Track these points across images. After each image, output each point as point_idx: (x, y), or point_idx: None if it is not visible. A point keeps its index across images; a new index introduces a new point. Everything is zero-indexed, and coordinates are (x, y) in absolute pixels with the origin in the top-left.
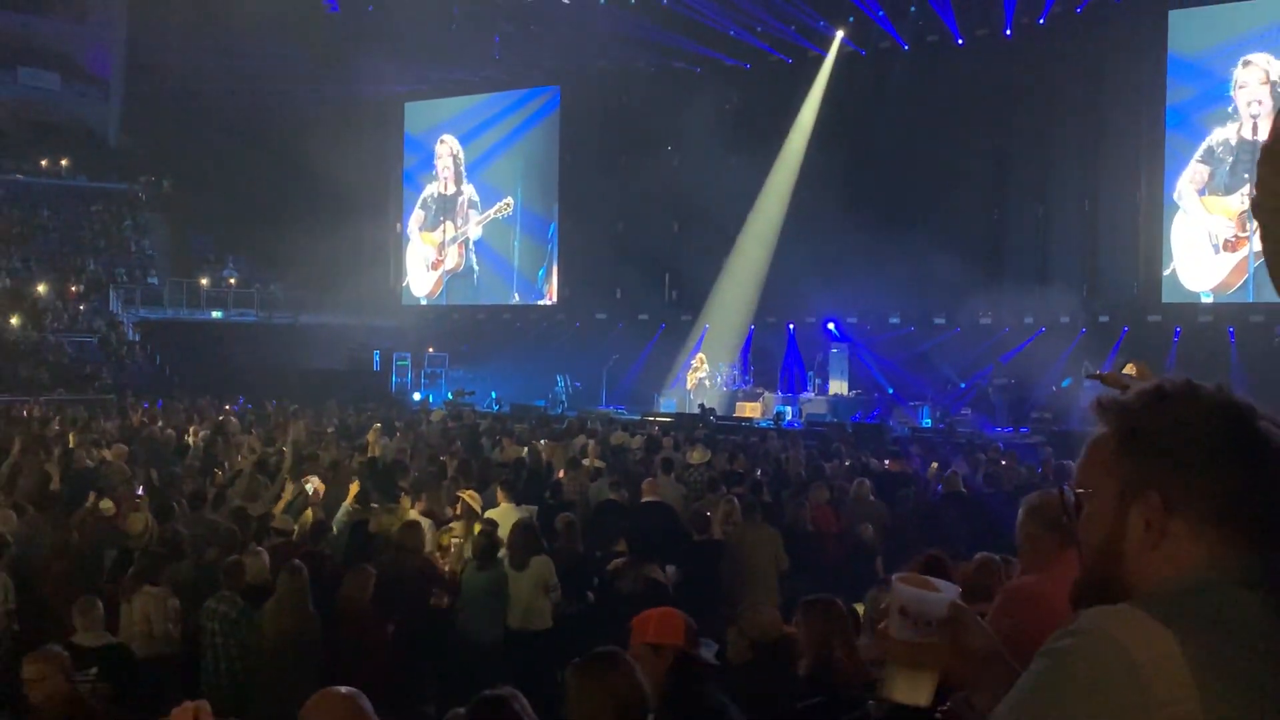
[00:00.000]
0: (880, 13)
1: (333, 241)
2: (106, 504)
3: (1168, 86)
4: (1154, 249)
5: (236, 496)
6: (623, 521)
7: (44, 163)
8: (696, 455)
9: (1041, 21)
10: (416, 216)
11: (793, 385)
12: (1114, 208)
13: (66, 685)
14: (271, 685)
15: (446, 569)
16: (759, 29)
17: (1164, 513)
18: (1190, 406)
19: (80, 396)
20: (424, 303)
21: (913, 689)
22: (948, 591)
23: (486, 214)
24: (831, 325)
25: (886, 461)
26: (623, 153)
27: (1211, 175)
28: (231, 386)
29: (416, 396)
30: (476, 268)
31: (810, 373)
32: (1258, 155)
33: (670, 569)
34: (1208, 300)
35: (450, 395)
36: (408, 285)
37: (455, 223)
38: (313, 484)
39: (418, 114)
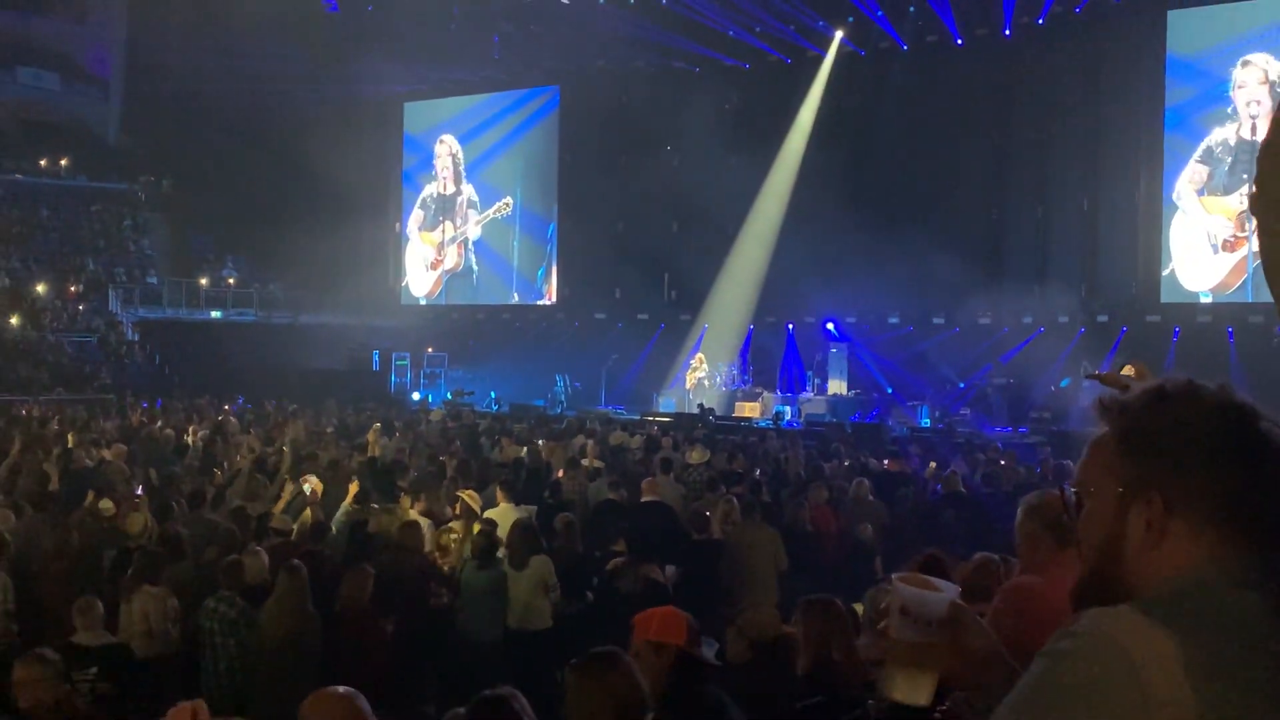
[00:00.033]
0: (879, 13)
1: (332, 241)
2: (106, 504)
3: (1166, 87)
4: (1153, 249)
5: (236, 496)
6: (622, 521)
7: (43, 162)
8: (696, 455)
9: (1040, 22)
10: (416, 216)
11: (792, 385)
12: (1113, 208)
13: (57, 690)
14: (271, 685)
15: (446, 569)
16: (758, 29)
17: (1164, 513)
18: (1191, 407)
19: (79, 396)
20: (423, 303)
21: (913, 689)
22: (948, 591)
23: (486, 213)
24: (831, 325)
25: (885, 461)
26: (622, 153)
27: (1210, 175)
28: (231, 386)
29: (416, 396)
30: (476, 268)
31: (809, 372)
32: (1257, 152)
33: (670, 569)
34: (1206, 300)
35: (449, 395)
36: (407, 285)
37: (454, 222)
38: (310, 484)
39: (417, 114)
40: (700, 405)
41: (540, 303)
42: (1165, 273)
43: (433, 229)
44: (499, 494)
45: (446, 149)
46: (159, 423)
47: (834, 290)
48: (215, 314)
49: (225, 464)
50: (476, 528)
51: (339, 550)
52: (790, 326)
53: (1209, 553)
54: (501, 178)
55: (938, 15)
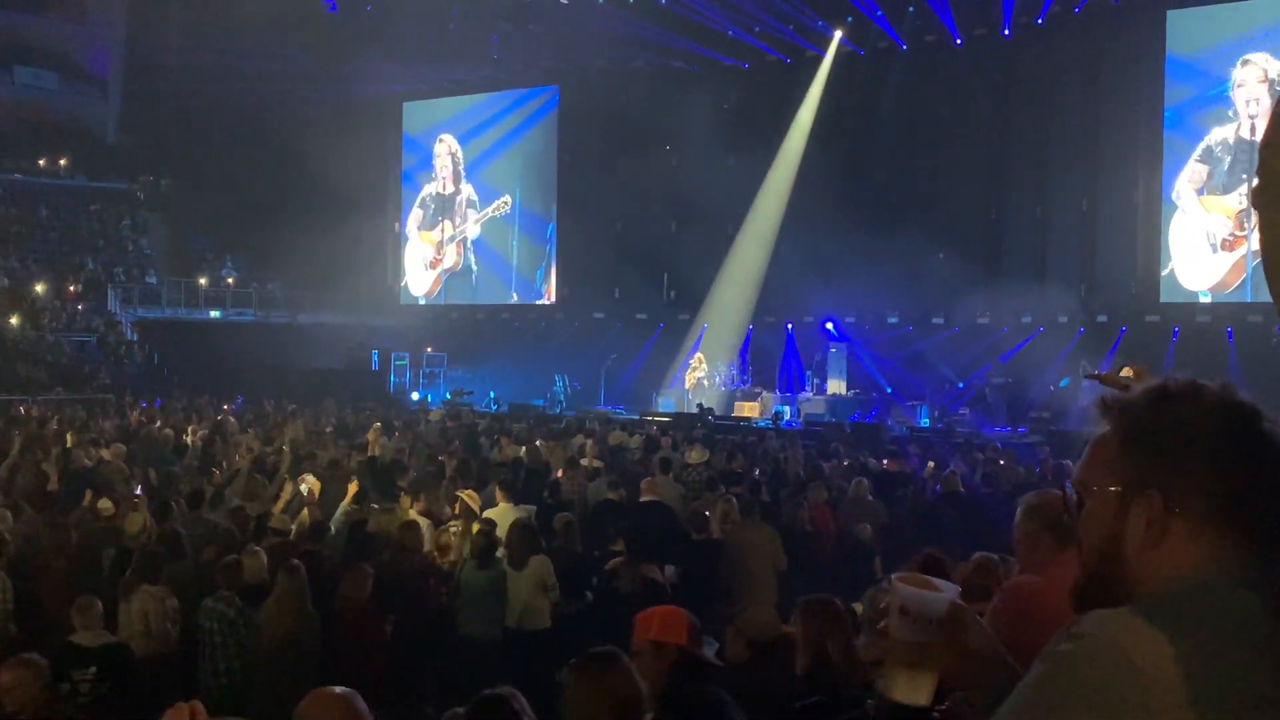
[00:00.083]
0: (878, 12)
1: (331, 241)
2: (105, 504)
3: (1166, 86)
4: (1152, 249)
5: (235, 496)
6: (621, 521)
7: (42, 162)
8: (695, 455)
9: (1040, 21)
10: (415, 216)
11: (791, 385)
12: (1112, 207)
13: (43, 695)
14: (270, 685)
15: (445, 567)
16: (757, 29)
17: (1165, 512)
18: (1193, 406)
19: (78, 396)
20: (422, 302)
21: (913, 689)
22: (948, 591)
23: (485, 212)
24: (830, 325)
25: (885, 461)
26: (621, 152)
27: (1210, 175)
28: (229, 386)
29: (415, 396)
30: (475, 267)
31: (808, 372)
32: (1259, 146)
33: (669, 569)
34: (1206, 300)
35: (448, 395)
36: (406, 285)
37: (454, 222)
38: (307, 484)
39: (416, 113)
40: (699, 405)
41: (539, 302)
42: (1165, 272)
43: (432, 228)
44: (498, 494)
45: (446, 148)
46: (158, 422)
47: (833, 290)
48: (214, 314)
49: (224, 464)
50: (476, 527)
51: (338, 550)
52: (789, 326)
53: (1210, 553)
54: (501, 177)
55: (937, 15)
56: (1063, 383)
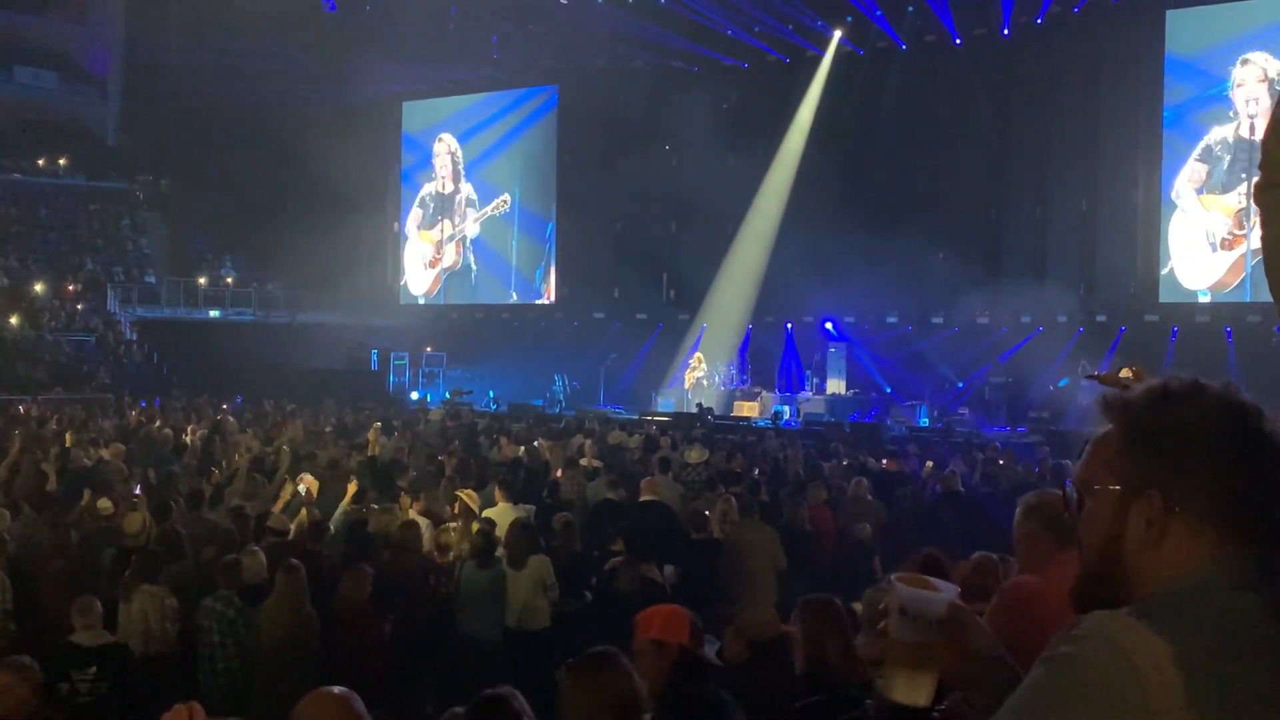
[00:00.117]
0: (878, 12)
1: (330, 240)
2: (105, 503)
3: (1165, 86)
4: (1151, 248)
5: (234, 496)
6: (620, 521)
7: (41, 162)
8: (694, 454)
9: (1039, 21)
10: (414, 215)
11: (790, 385)
12: (1111, 207)
13: (33, 700)
14: (269, 685)
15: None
16: (757, 28)
17: (1165, 512)
18: (1195, 406)
19: (78, 395)
20: (422, 302)
21: (912, 689)
22: (947, 591)
23: (484, 211)
24: (829, 325)
25: (884, 461)
26: (621, 152)
27: (1209, 174)
28: (229, 386)
29: (414, 396)
30: (474, 266)
31: (808, 372)
32: (1262, 142)
33: (668, 568)
34: (1205, 299)
35: (448, 394)
36: (405, 284)
37: (453, 221)
38: (305, 484)
39: (416, 113)
40: (699, 405)
41: (539, 302)
42: (1164, 272)
43: (431, 227)
44: (497, 493)
45: (445, 148)
46: (157, 422)
47: (832, 290)
48: (213, 313)
49: (223, 463)
50: (475, 527)
51: (337, 550)
52: (789, 326)
53: (1210, 553)
54: (500, 177)
55: (936, 15)
56: (1062, 382)
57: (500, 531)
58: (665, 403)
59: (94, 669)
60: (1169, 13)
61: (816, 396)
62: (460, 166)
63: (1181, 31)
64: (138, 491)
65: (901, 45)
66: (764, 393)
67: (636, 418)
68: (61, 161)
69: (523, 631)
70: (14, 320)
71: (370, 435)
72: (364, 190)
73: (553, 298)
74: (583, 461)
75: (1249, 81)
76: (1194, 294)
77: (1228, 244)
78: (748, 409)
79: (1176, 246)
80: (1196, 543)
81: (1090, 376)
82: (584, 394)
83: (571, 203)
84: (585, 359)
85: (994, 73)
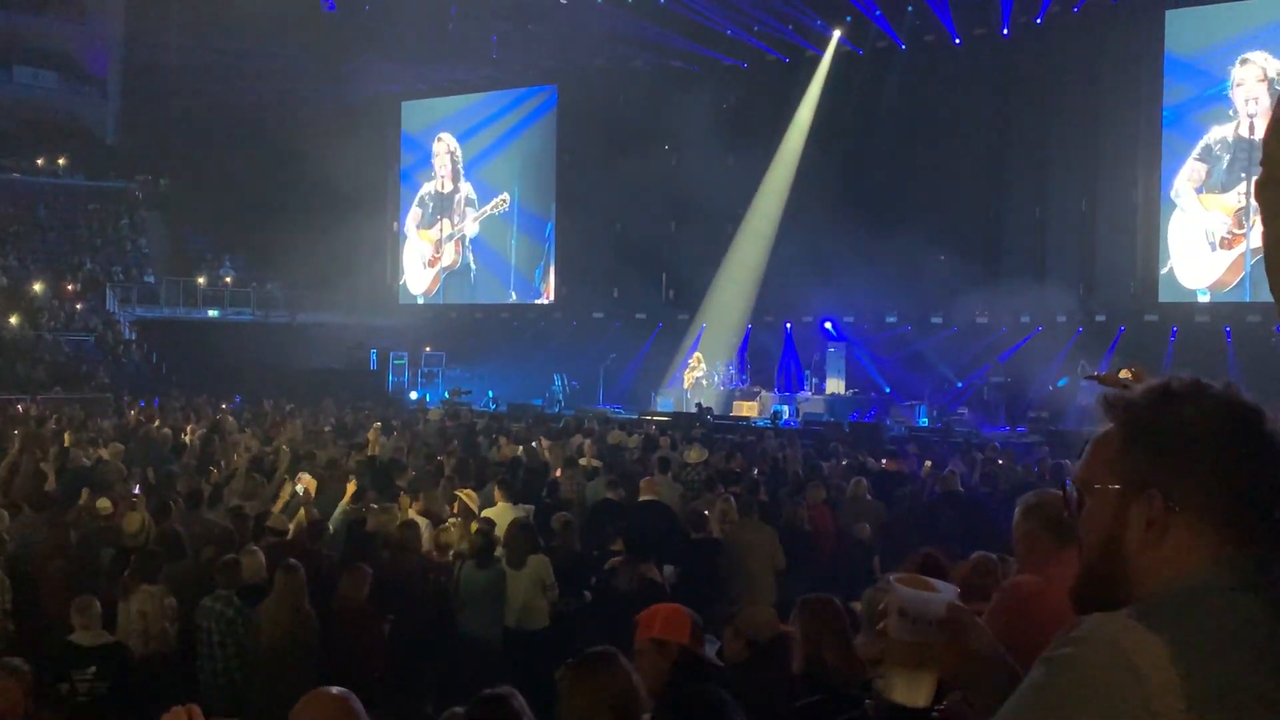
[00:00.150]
0: (877, 12)
1: (329, 240)
2: (104, 503)
3: (1165, 85)
4: (1151, 248)
5: (233, 495)
6: (620, 520)
7: (41, 161)
8: (694, 454)
9: (1039, 21)
10: (414, 214)
11: (790, 384)
12: (1111, 206)
13: (25, 702)
14: (268, 684)
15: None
16: (756, 28)
17: (1166, 511)
18: (1196, 406)
19: (77, 395)
20: (421, 301)
21: (912, 690)
22: (946, 592)
23: (483, 210)
24: (829, 324)
25: (884, 461)
26: (620, 152)
27: (1209, 173)
28: (228, 385)
29: (413, 395)
30: (473, 266)
31: (807, 372)
32: (1264, 138)
33: (668, 568)
34: (1204, 299)
35: (447, 394)
36: (404, 284)
37: (452, 220)
38: (303, 483)
39: (415, 113)
40: (698, 404)
41: (538, 301)
42: (1164, 271)
43: (430, 226)
44: (497, 493)
45: (445, 147)
46: (156, 422)
47: (832, 289)
48: (213, 313)
49: (223, 463)
50: (474, 527)
51: (337, 549)
52: (788, 326)
53: (1211, 553)
54: (499, 176)
55: (936, 15)
56: (1061, 382)
57: (499, 531)
58: (664, 402)
59: (93, 669)
60: (1168, 12)
61: (816, 396)
62: (460, 166)
63: (1181, 31)
64: (137, 491)
65: (901, 45)
66: (763, 392)
67: (636, 417)
68: (61, 161)
69: (522, 631)
70: (13, 320)
71: (370, 435)
72: (363, 190)
73: (552, 297)
74: (582, 461)
75: (1248, 81)
76: (1193, 293)
77: (1227, 243)
78: (747, 409)
79: (1176, 246)
80: (1197, 543)
81: (1090, 377)
82: (583, 394)
83: (571, 202)
84: (584, 359)
85: (993, 72)
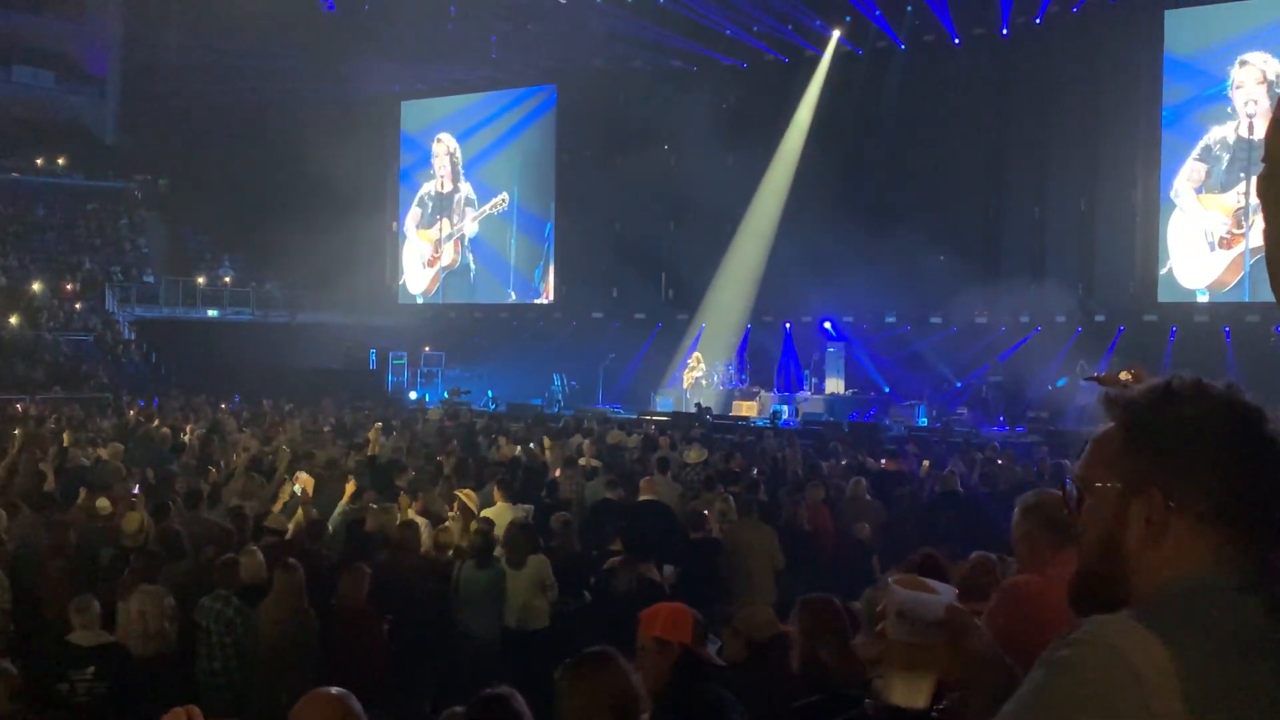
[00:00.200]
0: (877, 12)
1: (329, 240)
2: (103, 502)
3: (1164, 86)
4: (1150, 248)
5: (232, 495)
6: (619, 520)
7: (39, 161)
8: (693, 454)
9: (1038, 21)
10: (413, 214)
11: (789, 384)
12: (1110, 207)
13: (9, 705)
14: (268, 684)
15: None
16: (755, 28)
17: (1165, 510)
18: (1198, 405)
19: (76, 395)
20: (420, 301)
21: (910, 692)
22: (944, 594)
23: (482, 209)
24: (828, 324)
25: (883, 461)
26: (619, 151)
27: (1209, 173)
28: (227, 385)
29: (413, 395)
30: (473, 266)
31: (806, 372)
32: (1266, 133)
33: (667, 568)
34: (1204, 299)
35: (446, 394)
36: (404, 284)
37: (452, 220)
38: (301, 483)
39: (414, 112)
40: (698, 404)
41: (538, 301)
42: (1163, 271)
43: (430, 226)
44: (496, 493)
45: (444, 147)
46: (155, 422)
47: (831, 289)
48: (212, 313)
49: (222, 463)
50: (474, 527)
51: (336, 549)
52: (787, 326)
53: (1211, 553)
54: (499, 176)
55: (935, 15)
56: (1060, 382)
57: (499, 531)
58: (664, 402)
59: (92, 669)
60: (1167, 13)
61: (815, 396)
62: (459, 166)
63: (1180, 31)
64: (136, 491)
65: (900, 45)
66: (762, 392)
67: (635, 417)
68: (60, 161)
69: (521, 631)
70: (12, 320)
71: (371, 435)
72: (362, 189)
73: (551, 297)
74: (581, 461)
75: (1248, 83)
76: (1193, 293)
77: (1226, 243)
78: (746, 409)
79: (1175, 246)
80: (1197, 542)
81: (1090, 378)
82: (582, 393)
83: (570, 202)
84: (584, 358)
85: (993, 72)
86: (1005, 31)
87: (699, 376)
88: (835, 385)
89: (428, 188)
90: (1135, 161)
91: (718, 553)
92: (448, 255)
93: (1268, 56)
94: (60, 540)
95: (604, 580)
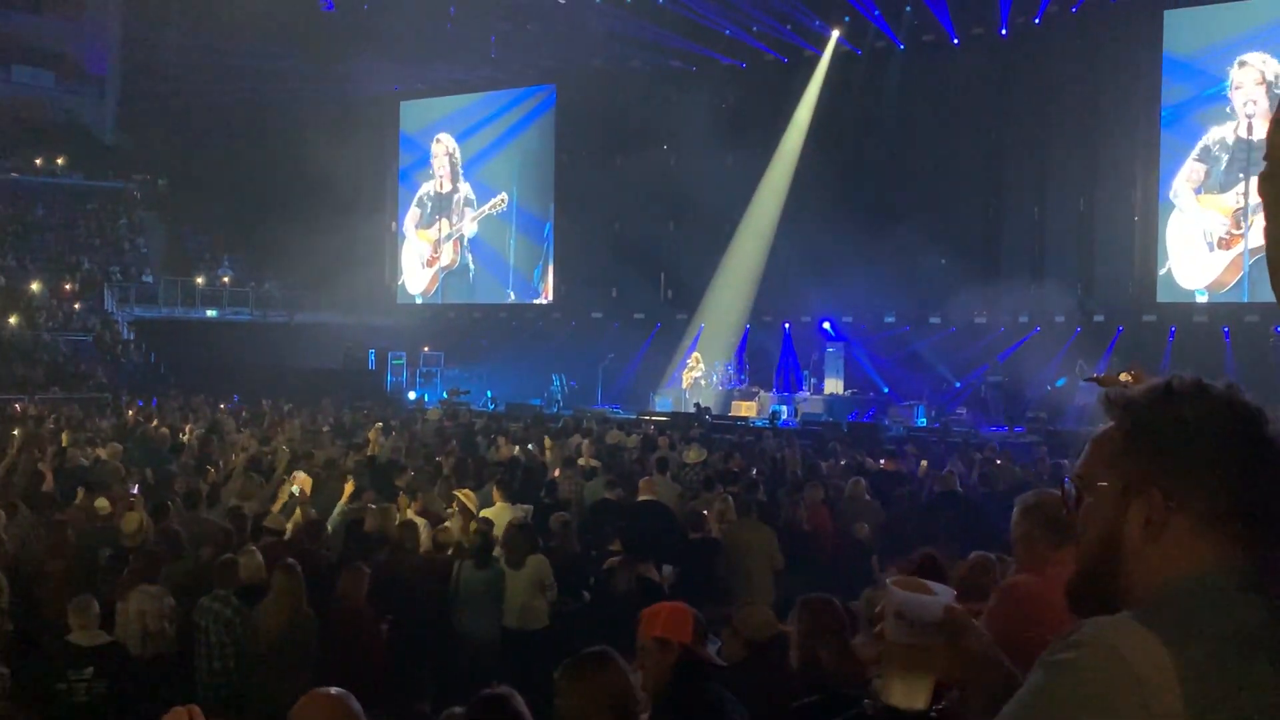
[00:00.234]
0: (876, 12)
1: (328, 240)
2: (102, 502)
3: (1163, 86)
4: (1149, 248)
5: (231, 495)
6: (618, 520)
7: (39, 161)
8: (692, 454)
9: (1037, 21)
10: (412, 214)
11: (788, 384)
12: (1109, 207)
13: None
14: (267, 684)
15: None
16: (755, 28)
17: (1164, 509)
18: (1198, 405)
19: (75, 395)
20: (419, 301)
21: (909, 693)
22: (943, 595)
23: (481, 210)
24: (827, 324)
25: (882, 461)
26: (618, 151)
27: (1208, 174)
28: (226, 385)
29: (412, 395)
30: (472, 266)
31: (806, 372)
32: (1268, 130)
33: (666, 568)
34: (1202, 299)
35: (445, 394)
36: (403, 284)
37: (451, 220)
38: (298, 483)
39: (414, 112)
40: (697, 404)
41: (537, 301)
42: (1162, 272)
43: (429, 227)
44: (495, 493)
45: (443, 148)
46: (154, 421)
47: (830, 289)
48: (211, 313)
49: (221, 463)
50: (473, 527)
51: (335, 549)
52: (787, 326)
53: (1210, 553)
54: (498, 176)
55: (934, 15)
56: (1059, 382)
57: (498, 531)
58: (663, 402)
59: (91, 669)
60: (1166, 13)
61: (814, 396)
62: (458, 166)
63: (1179, 31)
64: (135, 491)
65: (899, 45)
66: (762, 392)
67: (634, 417)
68: (59, 161)
69: (521, 631)
70: (11, 320)
71: (371, 435)
72: (362, 189)
73: (550, 297)
74: (580, 461)
75: (1247, 84)
76: (1192, 294)
77: (1225, 244)
78: (745, 409)
79: (1174, 246)
80: (1197, 543)
81: (1090, 379)
82: (582, 393)
83: (569, 202)
84: (583, 358)
85: (992, 73)
86: (1004, 31)
87: (698, 376)
88: (834, 385)
89: (427, 188)
90: (1134, 161)
91: (717, 553)
92: (447, 255)
93: (1266, 57)
94: (59, 540)
95: (603, 580)
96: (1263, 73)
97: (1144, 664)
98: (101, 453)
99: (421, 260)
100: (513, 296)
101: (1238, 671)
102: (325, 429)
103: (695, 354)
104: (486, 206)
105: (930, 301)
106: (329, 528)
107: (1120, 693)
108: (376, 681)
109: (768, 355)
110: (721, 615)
